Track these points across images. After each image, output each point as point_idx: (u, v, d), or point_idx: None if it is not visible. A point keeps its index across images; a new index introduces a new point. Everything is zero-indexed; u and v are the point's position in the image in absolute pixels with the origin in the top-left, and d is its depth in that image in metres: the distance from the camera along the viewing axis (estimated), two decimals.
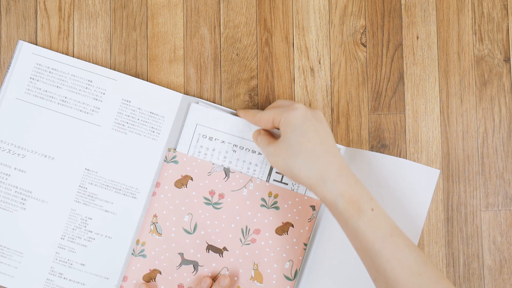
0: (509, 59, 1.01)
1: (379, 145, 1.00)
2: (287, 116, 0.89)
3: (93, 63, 1.00)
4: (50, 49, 1.00)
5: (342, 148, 0.99)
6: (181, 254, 0.96)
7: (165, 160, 0.97)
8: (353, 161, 0.98)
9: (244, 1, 1.01)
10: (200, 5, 1.01)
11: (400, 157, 1.00)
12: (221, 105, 1.00)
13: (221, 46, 1.01)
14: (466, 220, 1.00)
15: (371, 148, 1.00)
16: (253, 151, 0.98)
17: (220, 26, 1.01)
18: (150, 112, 0.98)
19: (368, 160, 0.98)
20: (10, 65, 0.98)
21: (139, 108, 0.98)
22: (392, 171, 0.98)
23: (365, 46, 1.01)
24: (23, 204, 0.97)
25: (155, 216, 0.96)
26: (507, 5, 1.01)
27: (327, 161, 0.87)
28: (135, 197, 0.97)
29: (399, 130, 1.00)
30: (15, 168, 0.97)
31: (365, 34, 1.01)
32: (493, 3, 1.01)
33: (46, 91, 0.98)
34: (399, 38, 1.01)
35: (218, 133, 0.98)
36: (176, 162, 0.97)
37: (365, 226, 0.84)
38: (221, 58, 1.01)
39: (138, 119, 0.98)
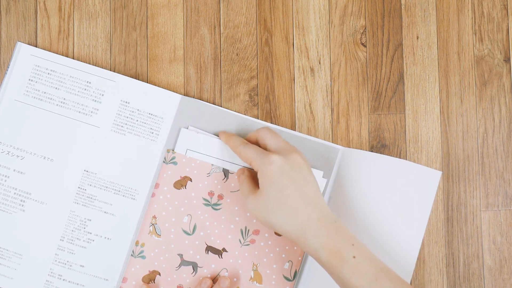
0: (509, 59, 1.01)
1: (379, 145, 1.00)
2: (264, 169, 0.88)
3: (93, 63, 1.00)
4: (50, 49, 1.00)
5: (341, 148, 0.99)
6: (181, 255, 0.96)
7: (164, 161, 0.97)
8: (352, 163, 0.98)
9: (244, 1, 1.01)
10: (200, 5, 1.01)
11: (400, 157, 1.00)
12: (220, 105, 1.00)
13: (221, 46, 1.01)
14: (466, 220, 1.00)
15: (371, 148, 1.00)
16: None
17: (220, 26, 1.01)
18: (149, 113, 0.98)
19: (368, 161, 0.98)
20: (8, 67, 0.98)
21: (138, 109, 0.98)
22: (393, 173, 0.97)
23: (365, 46, 1.01)
24: (22, 205, 0.97)
25: (154, 217, 0.96)
26: (507, 5, 1.01)
27: (307, 215, 0.87)
28: (134, 198, 0.97)
29: (399, 130, 1.00)
30: (14, 170, 0.97)
31: (365, 34, 1.01)
32: (493, 3, 1.01)
33: (44, 93, 0.98)
34: (399, 38, 1.01)
35: (209, 158, 0.98)
36: (175, 163, 0.97)
37: (349, 274, 0.84)
38: (221, 58, 1.01)
39: (137, 120, 0.98)
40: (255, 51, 1.01)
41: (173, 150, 0.97)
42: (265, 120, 1.00)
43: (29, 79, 0.98)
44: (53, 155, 0.98)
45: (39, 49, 0.99)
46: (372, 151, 0.99)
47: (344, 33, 1.01)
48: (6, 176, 0.97)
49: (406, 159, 0.99)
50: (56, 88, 0.98)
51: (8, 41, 1.00)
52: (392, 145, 1.00)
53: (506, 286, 0.99)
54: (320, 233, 0.86)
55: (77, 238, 0.97)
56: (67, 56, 1.00)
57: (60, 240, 0.97)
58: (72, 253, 0.97)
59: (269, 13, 1.01)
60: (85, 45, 1.00)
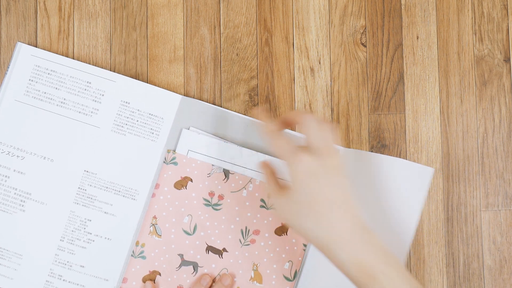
0: (509, 59, 1.01)
1: (379, 145, 1.00)
2: (292, 169, 0.82)
3: (93, 63, 1.00)
4: (50, 49, 1.00)
5: (341, 149, 0.99)
6: (181, 255, 0.96)
7: (164, 162, 0.97)
8: (351, 163, 0.98)
9: (244, 1, 1.01)
10: (200, 5, 1.01)
11: (400, 157, 1.00)
12: (220, 105, 1.00)
13: (221, 46, 1.01)
14: (466, 220, 1.00)
15: (371, 148, 1.00)
16: None
17: (220, 26, 1.01)
18: (149, 114, 0.98)
19: (364, 160, 0.98)
20: (8, 67, 0.98)
21: (138, 110, 0.98)
22: (388, 171, 0.97)
23: (365, 46, 1.01)
24: (22, 206, 0.97)
25: (154, 217, 0.96)
26: (507, 5, 1.01)
27: (336, 224, 0.80)
28: (134, 199, 0.97)
29: (399, 130, 1.00)
30: (14, 170, 0.97)
31: (365, 34, 1.01)
32: (493, 3, 1.01)
33: (45, 93, 0.98)
34: (399, 38, 1.01)
35: (210, 159, 0.98)
36: (175, 163, 0.97)
37: None
38: (221, 58, 1.01)
39: (137, 121, 0.98)
40: (255, 51, 1.01)
41: (173, 151, 0.97)
42: None
43: (29, 79, 0.98)
44: (53, 155, 0.98)
45: (39, 49, 0.99)
46: (372, 151, 1.00)
47: (344, 33, 1.01)
48: (6, 176, 0.97)
49: (406, 159, 0.99)
50: (56, 88, 0.98)
51: (8, 41, 1.00)
52: (392, 145, 1.00)
53: (506, 286, 0.99)
54: (349, 246, 0.80)
55: (77, 239, 0.97)
56: (67, 56, 1.00)
57: (60, 240, 0.97)
58: (72, 254, 0.97)
59: (269, 13, 1.01)
60: (85, 45, 1.00)
